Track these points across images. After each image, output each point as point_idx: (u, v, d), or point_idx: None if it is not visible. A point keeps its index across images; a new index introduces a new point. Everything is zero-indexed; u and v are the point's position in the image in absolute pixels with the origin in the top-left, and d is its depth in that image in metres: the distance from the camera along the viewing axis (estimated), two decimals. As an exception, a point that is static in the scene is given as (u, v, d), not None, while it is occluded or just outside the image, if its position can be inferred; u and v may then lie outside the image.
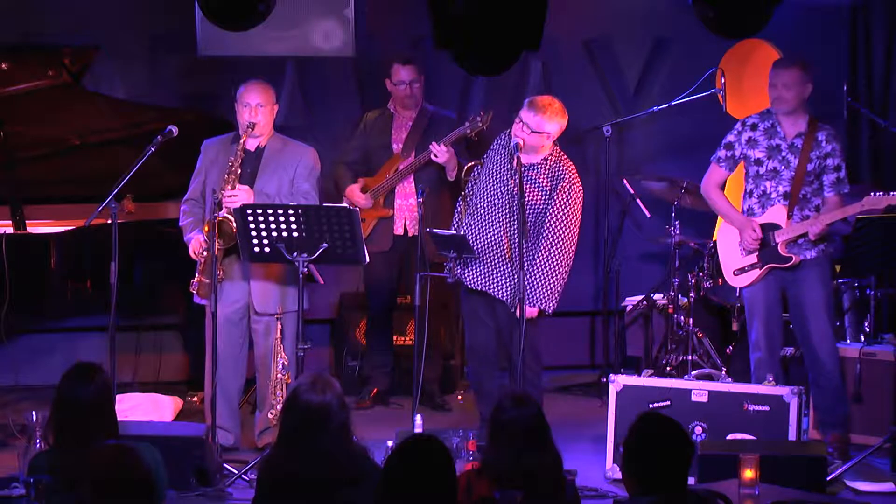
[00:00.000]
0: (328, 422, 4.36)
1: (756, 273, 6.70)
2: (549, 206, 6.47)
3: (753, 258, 6.69)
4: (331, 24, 8.36)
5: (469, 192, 6.78)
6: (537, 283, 6.47)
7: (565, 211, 6.48)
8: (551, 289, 6.48)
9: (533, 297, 6.46)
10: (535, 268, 6.46)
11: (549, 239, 6.47)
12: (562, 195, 6.47)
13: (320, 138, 8.00)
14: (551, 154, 6.53)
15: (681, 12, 7.95)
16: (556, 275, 6.47)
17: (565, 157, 6.59)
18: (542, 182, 6.49)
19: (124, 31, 8.15)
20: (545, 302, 6.49)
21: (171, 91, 8.33)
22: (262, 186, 6.65)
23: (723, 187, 6.93)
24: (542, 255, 6.47)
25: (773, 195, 6.67)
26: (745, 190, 6.80)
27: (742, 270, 6.73)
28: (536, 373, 6.62)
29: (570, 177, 6.51)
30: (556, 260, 6.47)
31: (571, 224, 6.50)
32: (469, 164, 7.01)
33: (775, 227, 6.64)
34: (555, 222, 6.48)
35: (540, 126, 6.44)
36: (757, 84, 8.40)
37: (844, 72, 8.67)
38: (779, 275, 6.69)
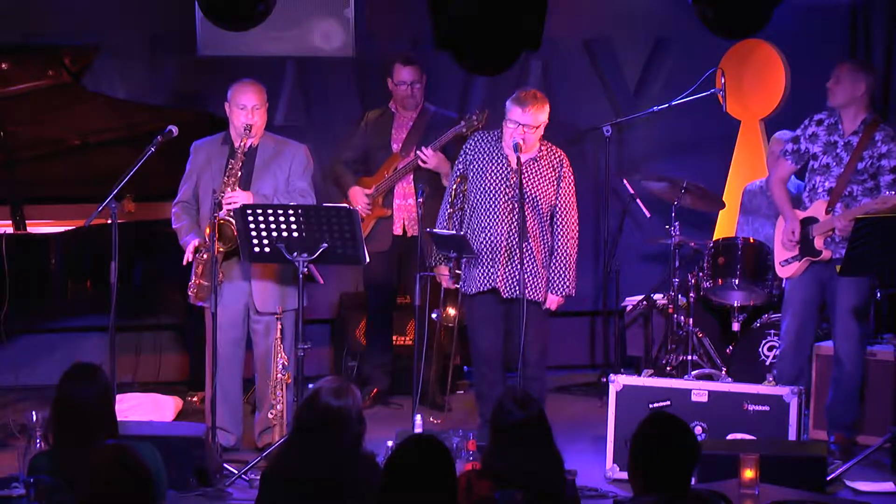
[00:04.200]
0: (344, 429, 4.33)
1: (796, 265, 6.74)
2: (559, 194, 6.56)
3: (796, 250, 6.73)
4: (331, 24, 8.37)
5: (452, 193, 6.72)
6: (562, 271, 6.57)
7: (572, 196, 6.61)
8: (573, 273, 6.59)
9: (559, 285, 6.56)
10: (558, 256, 6.56)
11: (566, 225, 6.58)
12: (567, 181, 6.59)
13: (320, 138, 8.00)
14: (543, 144, 6.59)
15: (681, 12, 7.96)
16: (574, 259, 6.60)
17: (552, 144, 6.65)
18: (547, 172, 6.56)
19: (124, 31, 8.14)
20: (570, 287, 6.59)
21: (171, 91, 8.32)
22: (259, 187, 6.64)
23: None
24: (562, 241, 6.57)
25: (820, 190, 6.71)
26: (804, 184, 6.87)
27: (787, 262, 6.79)
28: (542, 372, 6.63)
29: (566, 162, 6.63)
30: (574, 245, 6.60)
31: (576, 208, 6.63)
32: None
33: (815, 220, 6.68)
34: (567, 208, 6.58)
35: (537, 119, 6.47)
36: (757, 84, 8.42)
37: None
38: (819, 272, 6.71)
